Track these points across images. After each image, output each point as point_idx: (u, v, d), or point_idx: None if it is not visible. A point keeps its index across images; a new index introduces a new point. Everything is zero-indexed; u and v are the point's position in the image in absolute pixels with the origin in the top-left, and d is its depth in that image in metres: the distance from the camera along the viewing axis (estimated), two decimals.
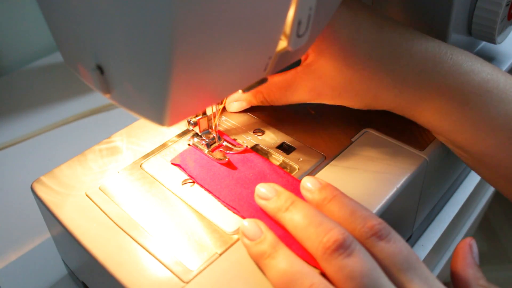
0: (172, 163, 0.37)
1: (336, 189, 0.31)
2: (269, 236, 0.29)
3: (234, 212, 0.33)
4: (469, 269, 0.32)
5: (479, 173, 0.37)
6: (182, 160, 0.37)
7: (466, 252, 0.33)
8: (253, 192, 0.33)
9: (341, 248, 0.27)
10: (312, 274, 0.27)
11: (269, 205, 0.31)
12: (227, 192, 0.34)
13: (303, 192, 0.32)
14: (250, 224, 0.30)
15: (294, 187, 0.33)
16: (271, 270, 0.28)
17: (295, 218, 0.29)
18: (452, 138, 0.35)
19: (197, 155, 0.37)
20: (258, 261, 0.29)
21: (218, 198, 0.34)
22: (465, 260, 0.33)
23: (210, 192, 0.34)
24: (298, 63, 0.36)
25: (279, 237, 0.30)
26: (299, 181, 0.34)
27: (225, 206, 0.33)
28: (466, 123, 0.34)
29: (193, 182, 0.35)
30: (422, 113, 0.36)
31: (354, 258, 0.26)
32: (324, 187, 0.31)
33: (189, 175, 0.35)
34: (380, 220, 0.29)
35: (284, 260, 0.28)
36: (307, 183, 0.32)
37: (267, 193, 0.31)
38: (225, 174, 0.35)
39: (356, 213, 0.29)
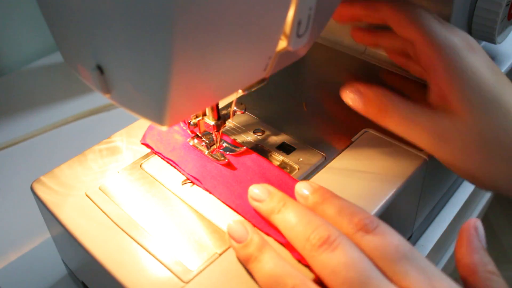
0: (142, 143, 0.38)
1: (328, 191, 0.31)
2: (255, 238, 0.29)
3: (196, 185, 0.34)
4: (475, 254, 0.29)
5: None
6: (150, 138, 0.38)
7: (472, 235, 0.30)
8: (246, 186, 0.33)
9: (325, 244, 0.26)
10: (295, 275, 0.27)
11: (262, 207, 0.31)
12: (215, 181, 0.34)
13: (297, 197, 0.32)
14: (236, 225, 0.30)
15: (292, 187, 0.33)
16: (257, 273, 0.28)
17: (286, 218, 0.29)
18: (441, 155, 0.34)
19: (160, 133, 0.39)
20: (246, 265, 0.29)
21: (199, 182, 0.35)
22: (470, 244, 0.30)
23: (190, 176, 0.35)
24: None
25: (273, 235, 0.30)
26: (296, 180, 0.34)
27: (202, 188, 0.34)
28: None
29: (192, 182, 0.35)
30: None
31: (338, 252, 0.26)
32: (316, 190, 0.31)
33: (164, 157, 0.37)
34: (367, 214, 0.28)
35: (269, 262, 0.27)
36: (301, 188, 0.32)
37: (260, 195, 0.31)
38: (212, 165, 0.36)
39: (343, 211, 0.29)
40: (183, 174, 0.36)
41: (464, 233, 0.30)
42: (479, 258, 0.29)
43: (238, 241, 0.29)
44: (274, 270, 0.27)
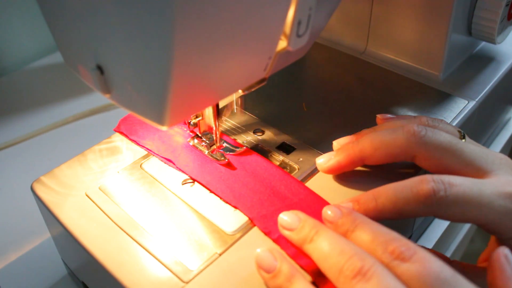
0: (115, 130, 0.39)
1: (359, 216, 0.29)
2: (284, 268, 0.28)
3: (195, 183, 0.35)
4: (510, 282, 0.28)
5: None
6: (126, 128, 0.39)
7: (504, 264, 0.29)
8: (246, 184, 0.34)
9: (359, 274, 0.25)
10: None
11: (294, 237, 0.30)
12: (207, 174, 0.35)
13: (326, 223, 0.30)
14: (264, 254, 0.29)
15: (294, 187, 0.34)
16: None
17: (318, 248, 0.28)
18: None
19: (134, 121, 0.39)
20: None
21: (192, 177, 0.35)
22: (504, 273, 0.28)
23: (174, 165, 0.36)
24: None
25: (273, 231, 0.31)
26: (297, 180, 0.34)
27: (175, 168, 0.35)
28: None
29: (193, 181, 0.35)
30: None
31: (373, 282, 0.25)
32: (345, 215, 0.29)
33: (141, 145, 0.38)
34: (403, 241, 0.27)
35: None
36: (328, 213, 0.30)
37: (290, 223, 0.30)
38: (202, 158, 0.36)
39: (376, 239, 0.27)
40: (157, 157, 0.37)
41: (496, 263, 0.29)
42: None
43: (267, 271, 0.28)
44: None
